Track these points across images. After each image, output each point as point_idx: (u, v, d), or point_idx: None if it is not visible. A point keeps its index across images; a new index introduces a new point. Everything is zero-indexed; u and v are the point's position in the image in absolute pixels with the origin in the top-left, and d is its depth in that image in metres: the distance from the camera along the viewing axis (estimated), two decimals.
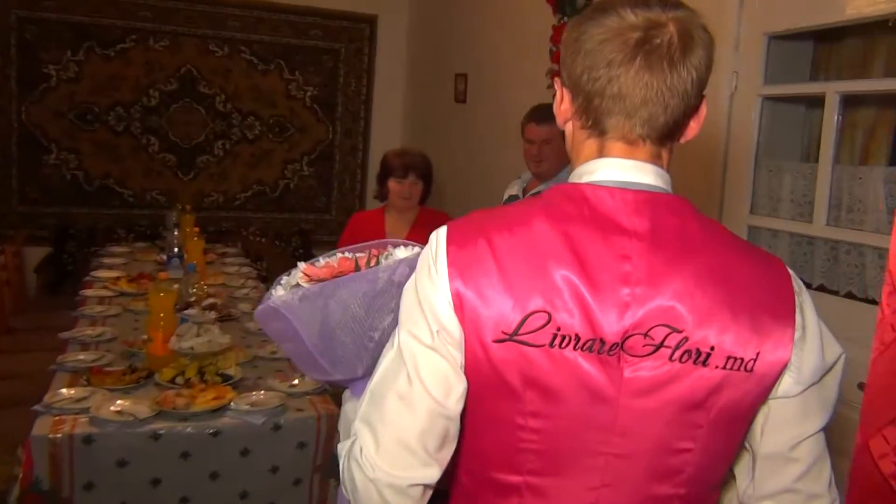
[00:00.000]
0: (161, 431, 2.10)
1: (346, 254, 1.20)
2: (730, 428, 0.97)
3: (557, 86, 1.03)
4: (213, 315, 2.96)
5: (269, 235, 6.03)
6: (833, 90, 2.46)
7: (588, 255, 0.91)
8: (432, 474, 0.95)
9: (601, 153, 0.98)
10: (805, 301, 0.98)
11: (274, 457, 2.20)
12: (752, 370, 0.92)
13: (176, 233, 3.83)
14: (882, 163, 2.65)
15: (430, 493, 0.98)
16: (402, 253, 1.16)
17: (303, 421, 2.24)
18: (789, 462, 0.98)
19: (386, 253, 1.17)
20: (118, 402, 2.18)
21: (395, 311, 1.03)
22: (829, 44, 2.91)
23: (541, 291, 0.90)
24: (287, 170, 6.33)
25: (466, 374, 0.94)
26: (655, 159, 0.98)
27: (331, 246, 6.25)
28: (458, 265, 0.93)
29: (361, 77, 6.43)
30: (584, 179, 0.98)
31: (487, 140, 4.98)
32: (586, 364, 0.90)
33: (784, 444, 0.98)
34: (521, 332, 0.89)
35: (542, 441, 0.94)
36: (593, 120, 0.97)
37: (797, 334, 0.94)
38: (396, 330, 0.98)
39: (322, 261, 1.19)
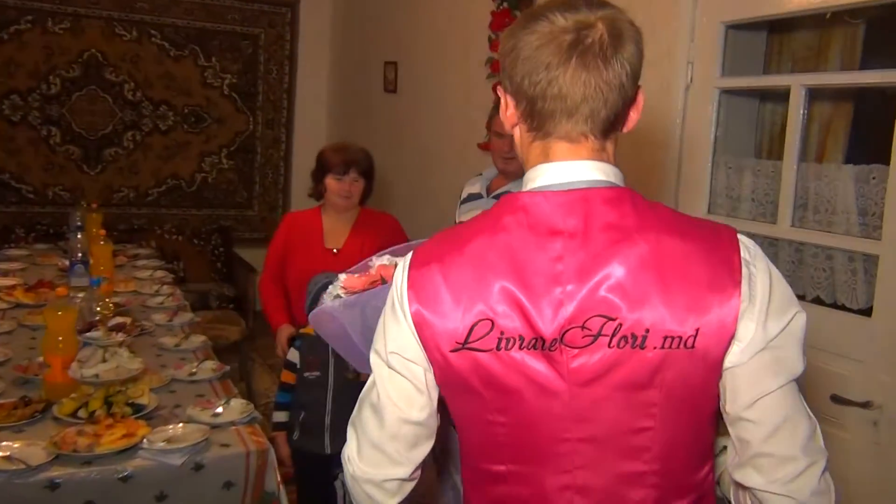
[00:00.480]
0: (59, 480, 1.78)
1: (385, 259, 1.45)
2: (686, 403, 1.01)
3: (501, 93, 1.07)
4: (121, 337, 2.63)
5: (186, 233, 5.63)
6: (799, 83, 2.32)
7: (523, 262, 0.99)
8: (404, 471, 1.13)
9: (546, 156, 1.03)
10: (757, 269, 0.99)
11: (196, 501, 1.91)
12: (693, 346, 0.96)
13: (79, 235, 3.44)
14: (838, 159, 2.54)
15: (408, 485, 1.15)
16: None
17: (229, 458, 1.96)
18: (750, 424, 1.00)
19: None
20: (6, 444, 1.85)
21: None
22: (782, 35, 2.78)
23: (483, 302, 0.99)
24: (204, 163, 5.94)
25: (438, 381, 1.08)
26: (599, 154, 1.03)
27: (253, 243, 5.92)
28: (416, 288, 1.04)
29: (283, 64, 6.08)
30: (528, 187, 1.04)
31: (421, 132, 4.73)
32: (532, 361, 1.00)
33: (741, 408, 1.00)
34: (470, 340, 1.00)
35: (511, 434, 1.04)
36: (538, 122, 1.02)
37: (743, 305, 0.97)
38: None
39: (376, 261, 1.46)
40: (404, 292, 1.05)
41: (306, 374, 2.63)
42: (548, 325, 0.98)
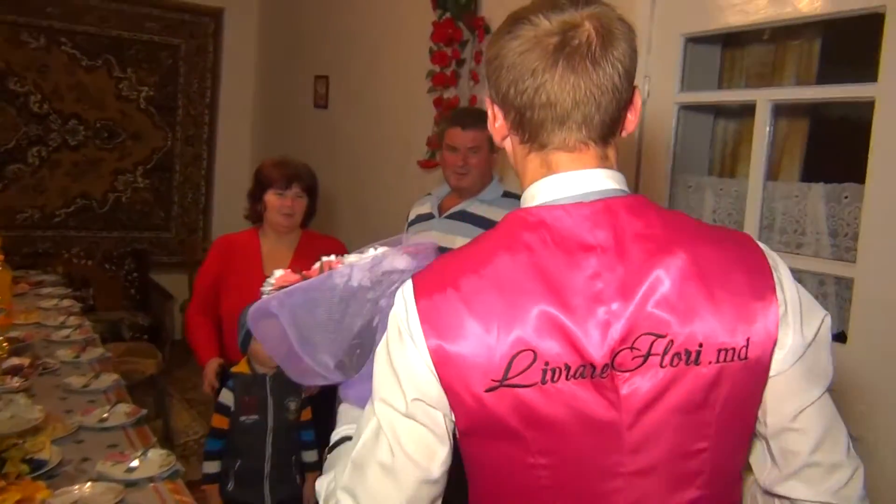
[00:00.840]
0: None
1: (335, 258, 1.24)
2: (738, 418, 0.96)
3: (488, 105, 1.01)
4: (17, 382, 2.29)
5: (97, 258, 5.22)
6: (765, 98, 2.21)
7: (558, 281, 0.89)
8: None
9: (548, 168, 0.96)
10: (783, 275, 0.96)
11: None
12: (746, 357, 0.91)
13: None
14: (794, 178, 2.45)
15: None
16: (369, 255, 1.20)
17: None
18: (797, 435, 0.96)
19: (357, 254, 1.21)
20: None
21: (367, 316, 1.11)
22: (735, 49, 2.69)
23: (520, 330, 0.88)
24: (118, 181, 5.54)
25: (463, 426, 0.93)
26: (603, 161, 0.96)
27: (170, 268, 5.51)
28: (431, 321, 0.91)
29: (205, 77, 5.76)
30: (538, 201, 0.96)
31: (357, 150, 4.50)
32: (582, 392, 0.89)
33: (787, 419, 0.96)
34: (510, 375, 0.88)
35: (555, 476, 0.92)
36: (530, 133, 0.96)
37: (781, 310, 0.93)
38: (372, 396, 0.97)
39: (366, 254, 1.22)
40: (416, 327, 0.91)
41: (242, 419, 2.35)
42: (597, 350, 0.89)
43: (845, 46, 2.55)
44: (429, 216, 2.47)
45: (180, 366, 5.10)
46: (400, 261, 1.16)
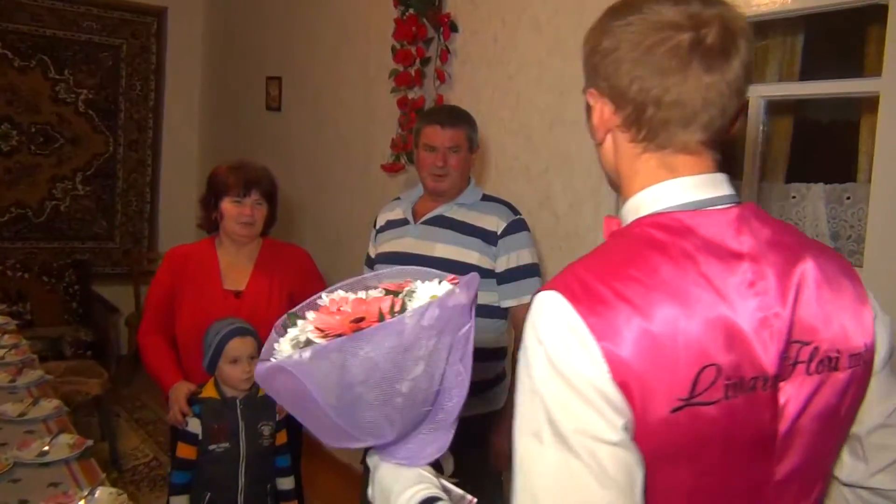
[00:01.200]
0: None
1: (351, 294, 1.00)
2: (849, 423, 0.97)
3: (593, 97, 0.94)
4: None
5: (34, 270, 4.89)
6: (758, 94, 2.10)
7: (724, 291, 0.84)
8: None
9: (669, 171, 0.91)
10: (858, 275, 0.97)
11: None
12: (869, 360, 0.94)
13: None
14: (779, 179, 2.36)
15: None
16: (427, 290, 0.97)
17: None
18: (890, 430, 0.97)
19: (407, 289, 0.98)
20: None
21: (426, 357, 0.91)
22: None
23: (703, 343, 0.82)
24: (56, 189, 5.22)
25: (643, 451, 0.82)
26: (717, 164, 0.93)
27: (114, 279, 5.19)
28: (607, 336, 0.80)
29: (149, 79, 5.47)
30: (664, 205, 0.89)
31: (313, 154, 4.30)
32: (754, 404, 0.85)
33: (882, 416, 0.97)
34: (696, 392, 0.81)
35: (713, 494, 0.87)
36: (648, 131, 0.90)
37: (874, 315, 0.94)
38: (545, 432, 0.81)
39: (325, 298, 1.00)
40: (593, 348, 0.80)
41: (211, 447, 2.14)
42: (770, 360, 0.86)
43: (829, 42, 2.49)
44: (402, 222, 2.30)
45: (127, 383, 4.81)
46: (462, 295, 0.94)
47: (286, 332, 0.99)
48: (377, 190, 3.65)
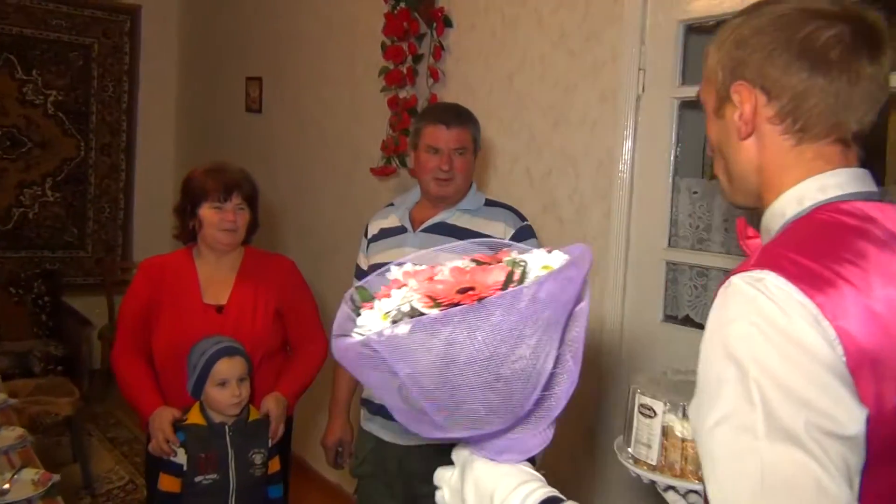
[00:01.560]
0: None
1: (421, 267, 0.86)
2: None
3: (741, 90, 0.93)
4: None
5: (1, 281, 4.64)
6: None
7: None
8: None
9: (827, 161, 0.92)
10: None
11: None
12: None
13: None
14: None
15: None
16: (538, 259, 0.83)
17: None
18: None
19: (509, 259, 0.84)
20: None
21: (538, 336, 0.77)
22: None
23: None
24: (24, 195, 4.98)
25: (873, 448, 0.77)
26: (858, 159, 0.95)
27: (86, 290, 4.91)
28: (839, 316, 0.77)
29: (122, 80, 5.25)
30: (832, 195, 0.90)
31: (296, 158, 4.10)
32: None
33: None
34: None
35: None
36: (805, 122, 0.91)
37: None
38: (760, 426, 0.74)
39: (395, 270, 0.86)
40: (826, 324, 0.77)
41: (198, 479, 1.96)
42: None
43: None
44: (399, 230, 2.11)
45: (101, 400, 4.57)
46: (578, 269, 0.83)
47: (357, 306, 0.86)
48: (366, 195, 3.46)
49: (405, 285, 0.84)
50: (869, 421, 0.76)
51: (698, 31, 2.21)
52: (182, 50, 5.38)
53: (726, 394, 0.78)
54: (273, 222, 4.12)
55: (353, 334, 0.83)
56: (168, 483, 1.98)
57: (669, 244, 2.24)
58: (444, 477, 0.94)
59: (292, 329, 2.31)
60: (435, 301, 0.79)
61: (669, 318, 2.26)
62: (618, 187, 2.31)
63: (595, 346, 2.35)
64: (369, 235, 2.20)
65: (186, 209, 2.22)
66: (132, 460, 3.87)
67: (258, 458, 2.04)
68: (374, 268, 2.08)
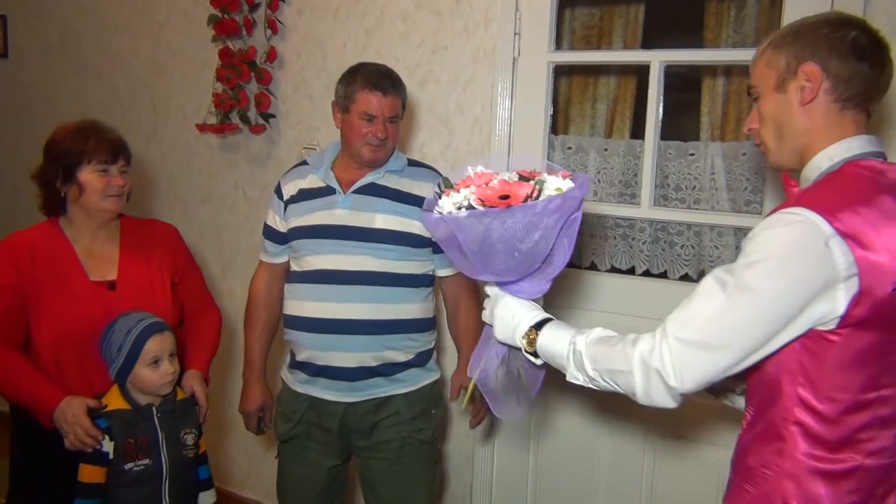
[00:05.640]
0: None
1: (498, 175, 1.36)
2: None
3: (810, 67, 1.25)
4: None
5: None
6: (658, 59, 2.26)
7: None
8: None
9: (860, 125, 1.28)
10: None
11: None
12: None
13: None
14: (624, 136, 2.61)
15: None
16: (554, 182, 1.33)
17: None
18: None
19: (538, 178, 1.34)
20: None
21: (543, 230, 1.30)
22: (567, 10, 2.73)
23: None
24: None
25: (864, 314, 1.15)
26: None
27: None
28: (858, 235, 1.14)
29: None
30: (855, 153, 1.25)
31: (66, 111, 3.58)
32: None
33: None
34: None
35: None
36: (850, 94, 1.25)
37: None
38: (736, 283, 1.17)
39: (470, 170, 1.38)
40: (840, 244, 1.12)
41: (128, 466, 1.78)
42: None
43: (666, 13, 2.75)
44: (326, 191, 2.06)
45: None
46: (578, 191, 1.33)
47: (441, 191, 1.38)
48: (180, 154, 3.21)
49: (469, 186, 1.34)
50: (861, 299, 1.12)
51: (571, 4, 2.44)
52: None
53: (735, 264, 1.18)
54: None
55: (435, 211, 1.36)
56: (91, 473, 1.78)
57: None
58: (486, 301, 1.46)
59: (186, 300, 2.14)
60: (482, 202, 1.31)
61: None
62: (496, 143, 2.48)
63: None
64: (286, 197, 2.11)
65: (57, 175, 1.94)
66: None
67: (190, 439, 1.90)
68: (308, 230, 2.05)
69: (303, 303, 2.07)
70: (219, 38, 2.89)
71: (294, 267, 2.12)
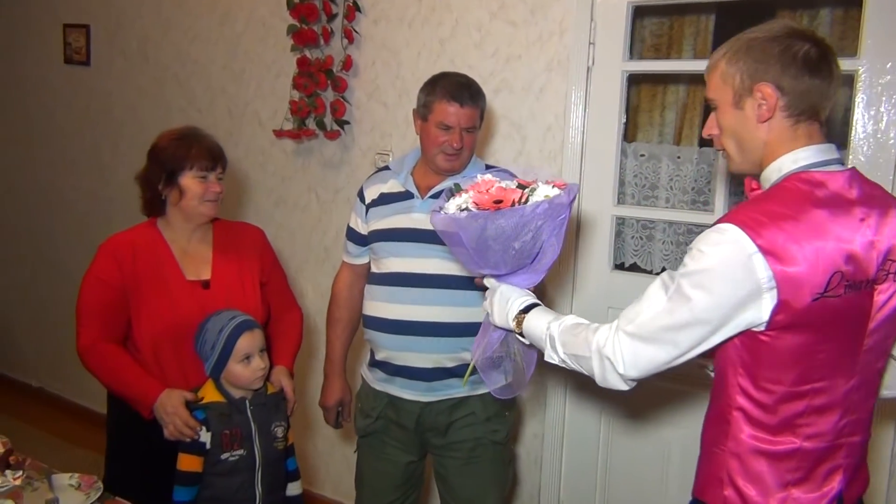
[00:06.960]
0: None
1: (501, 184, 1.55)
2: None
3: (765, 87, 1.31)
4: None
5: None
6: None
7: (849, 225, 1.29)
8: None
9: (813, 137, 1.35)
10: None
11: None
12: None
13: None
14: (693, 144, 2.63)
15: None
16: (543, 190, 1.51)
17: None
18: None
19: (531, 187, 1.52)
20: None
21: (534, 231, 1.48)
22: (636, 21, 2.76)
23: (834, 258, 1.27)
24: None
25: (787, 321, 1.27)
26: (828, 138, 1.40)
27: None
28: (775, 254, 1.24)
29: None
30: (801, 164, 1.33)
31: (148, 118, 3.73)
32: (858, 297, 1.30)
33: None
34: (828, 290, 1.26)
35: (828, 356, 1.31)
36: (802, 109, 1.33)
37: None
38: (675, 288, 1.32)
39: (479, 177, 1.58)
40: (761, 260, 1.23)
41: (224, 456, 1.87)
42: (872, 270, 1.31)
43: (737, 23, 2.77)
44: (405, 195, 2.14)
45: None
46: (563, 197, 1.49)
47: (452, 194, 1.58)
48: (255, 158, 3.33)
49: (470, 191, 1.53)
50: (780, 310, 1.23)
51: (642, 12, 2.48)
52: None
53: (678, 270, 1.31)
54: (116, 203, 3.75)
55: (442, 212, 1.56)
56: (189, 462, 1.88)
57: (618, 202, 2.52)
58: (487, 292, 1.62)
59: (272, 299, 2.24)
60: (478, 205, 1.50)
61: (617, 267, 2.56)
62: (569, 150, 2.53)
63: (549, 294, 2.57)
64: (367, 200, 2.19)
65: (161, 178, 2.05)
66: None
67: (280, 432, 1.99)
68: (387, 233, 2.12)
69: (381, 304, 2.15)
70: (297, 48, 2.99)
71: (373, 269, 2.20)
